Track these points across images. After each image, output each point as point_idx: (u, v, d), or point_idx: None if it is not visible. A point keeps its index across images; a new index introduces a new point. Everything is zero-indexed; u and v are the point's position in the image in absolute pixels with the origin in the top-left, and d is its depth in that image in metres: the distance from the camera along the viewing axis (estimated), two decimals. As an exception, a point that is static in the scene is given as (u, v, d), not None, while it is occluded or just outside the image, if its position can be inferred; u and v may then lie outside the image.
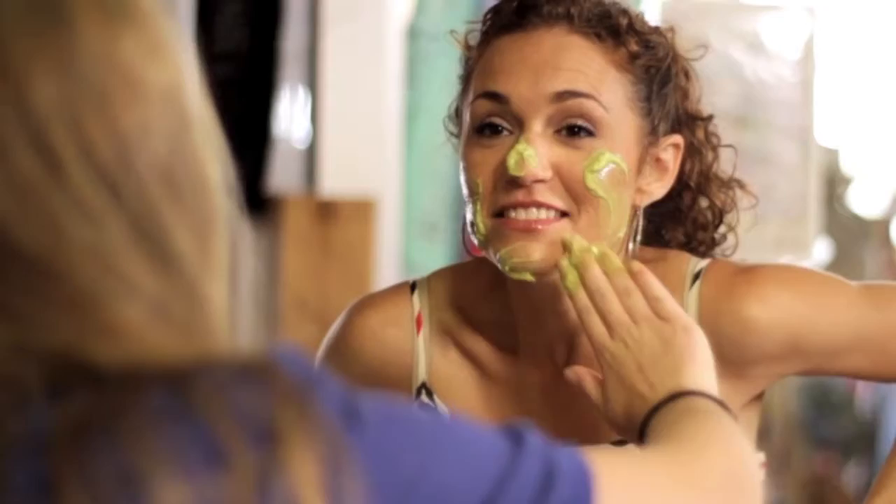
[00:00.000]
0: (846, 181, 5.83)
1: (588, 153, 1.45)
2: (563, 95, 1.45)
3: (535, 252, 1.45)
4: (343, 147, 3.66)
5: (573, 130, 1.46)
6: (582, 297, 1.41)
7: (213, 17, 3.80)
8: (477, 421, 0.99)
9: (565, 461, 0.98)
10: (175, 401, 0.84)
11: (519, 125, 1.46)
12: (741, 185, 1.62)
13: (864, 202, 5.80)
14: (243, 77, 3.81)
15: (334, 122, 3.68)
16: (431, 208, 3.88)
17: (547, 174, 1.44)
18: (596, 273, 1.41)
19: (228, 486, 0.82)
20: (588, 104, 1.45)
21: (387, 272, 3.69)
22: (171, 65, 0.90)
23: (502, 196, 1.46)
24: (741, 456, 1.14)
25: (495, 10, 1.51)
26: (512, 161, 1.43)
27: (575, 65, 1.46)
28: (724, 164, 1.62)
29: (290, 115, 3.83)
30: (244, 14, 3.80)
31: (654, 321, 1.37)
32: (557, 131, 1.46)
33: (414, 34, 3.85)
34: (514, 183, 1.44)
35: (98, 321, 0.85)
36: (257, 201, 3.81)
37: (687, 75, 1.56)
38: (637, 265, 1.42)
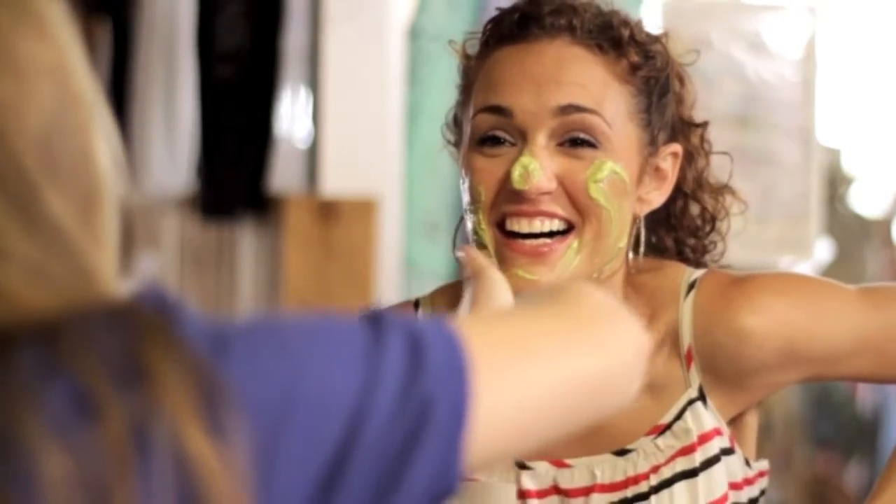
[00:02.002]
0: (847, 181, 5.83)
1: (590, 163, 1.45)
2: (566, 109, 1.45)
3: (541, 276, 1.45)
4: (344, 147, 3.67)
5: (576, 142, 1.46)
6: None
7: (214, 18, 3.80)
8: (342, 316, 0.96)
9: (428, 328, 0.95)
10: (43, 358, 0.84)
11: (522, 137, 1.45)
12: (732, 192, 1.62)
13: (865, 202, 5.79)
14: (244, 77, 3.81)
15: (335, 121, 3.68)
16: (433, 208, 3.88)
17: (552, 185, 1.45)
18: None
19: (104, 440, 0.82)
20: (591, 119, 1.45)
21: (388, 272, 3.69)
22: (53, 44, 0.90)
23: (505, 205, 1.46)
24: (620, 310, 1.08)
25: (496, 21, 1.51)
26: (516, 174, 1.43)
27: (578, 78, 1.45)
28: (724, 166, 1.63)
29: (291, 115, 3.83)
30: (245, 14, 3.80)
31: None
32: (560, 143, 1.46)
33: (415, 34, 3.85)
34: (519, 195, 1.44)
35: None
36: (259, 201, 3.81)
37: (681, 80, 1.57)
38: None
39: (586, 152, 1.45)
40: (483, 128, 1.47)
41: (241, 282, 3.89)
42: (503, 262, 1.46)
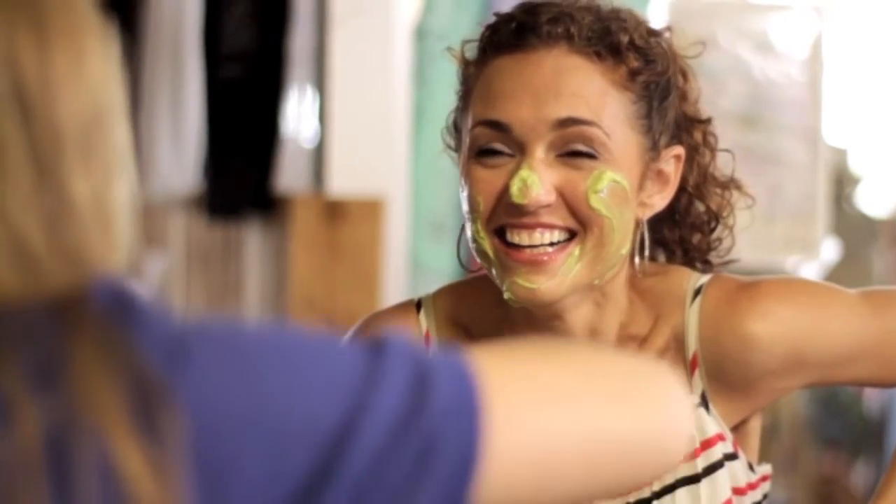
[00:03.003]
0: (854, 181, 5.83)
1: (589, 173, 1.44)
2: (565, 122, 1.44)
3: (540, 284, 1.44)
4: (351, 147, 3.67)
5: (574, 154, 1.45)
6: None
7: (221, 18, 3.81)
8: (338, 338, 0.91)
9: (440, 362, 0.88)
10: None
11: (520, 149, 1.44)
12: (738, 186, 1.61)
13: (872, 202, 5.79)
14: (251, 77, 3.81)
15: (342, 121, 3.68)
16: (439, 208, 3.88)
17: (551, 198, 1.44)
18: None
19: (11, 445, 0.78)
20: (589, 131, 1.44)
21: (394, 272, 3.69)
22: (101, 34, 0.90)
23: (504, 217, 1.45)
24: (665, 371, 0.99)
25: (493, 29, 1.49)
26: (515, 189, 1.43)
27: (576, 89, 1.44)
28: (728, 164, 1.62)
29: (297, 115, 3.84)
30: (251, 14, 3.80)
31: None
32: (559, 154, 1.45)
33: (422, 34, 3.85)
34: (518, 208, 1.44)
35: None
36: (265, 200, 3.81)
37: (685, 76, 1.55)
38: None
39: (585, 163, 1.44)
40: (481, 141, 1.46)
41: (247, 281, 3.90)
42: (503, 271, 1.46)
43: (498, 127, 1.45)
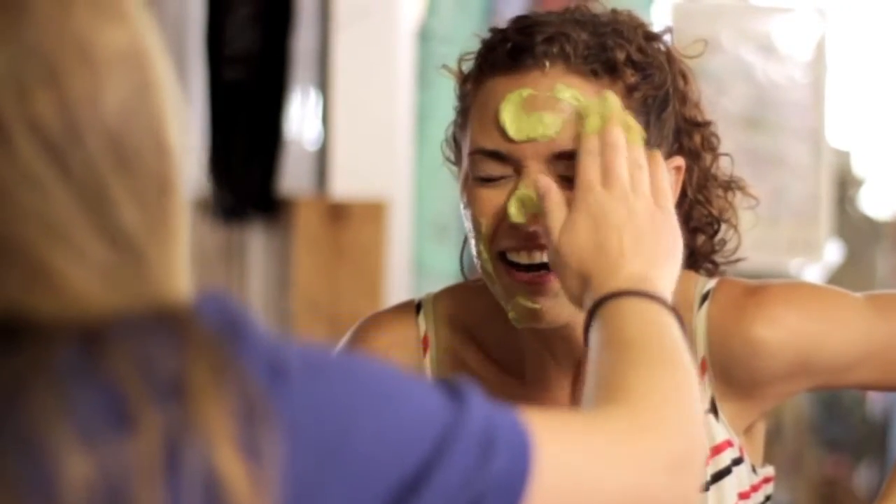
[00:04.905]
0: (858, 183, 5.82)
1: None
2: (559, 156, 1.43)
3: (543, 304, 1.44)
4: (354, 149, 3.67)
5: (570, 178, 1.44)
6: (593, 140, 1.38)
7: (225, 20, 3.81)
8: (418, 377, 0.96)
9: (506, 426, 0.94)
10: (82, 359, 0.83)
11: (517, 171, 1.43)
12: (741, 187, 1.61)
13: (875, 204, 5.79)
14: (254, 79, 3.81)
15: (345, 124, 3.68)
16: (442, 210, 3.88)
17: None
18: (619, 132, 1.38)
19: (134, 450, 0.82)
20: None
21: (398, 274, 3.69)
22: (127, 27, 0.90)
23: (505, 240, 1.44)
24: (692, 431, 1.07)
25: (489, 48, 1.48)
26: (513, 209, 1.42)
27: (571, 116, 1.43)
28: (730, 166, 1.61)
29: (301, 118, 3.84)
30: (255, 16, 3.80)
31: (652, 204, 1.35)
32: (555, 175, 1.45)
33: (425, 36, 3.85)
34: (517, 228, 1.43)
35: (47, 285, 0.85)
36: (269, 203, 3.81)
37: (685, 78, 1.54)
38: (656, 153, 1.40)
39: None
40: (480, 171, 1.45)
41: (251, 284, 3.90)
42: (506, 290, 1.46)
43: (495, 156, 1.44)
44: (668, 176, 1.43)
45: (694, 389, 1.12)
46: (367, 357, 0.95)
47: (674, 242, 1.34)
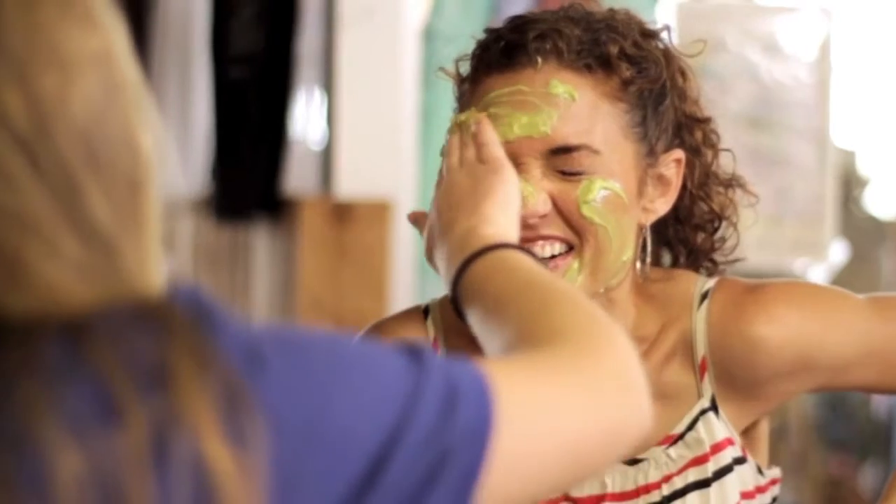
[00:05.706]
0: (862, 183, 5.82)
1: (580, 183, 1.45)
2: (555, 152, 1.44)
3: None
4: (358, 149, 3.67)
5: (566, 172, 1.45)
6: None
7: (229, 20, 3.81)
8: (379, 343, 0.98)
9: (466, 379, 0.96)
10: (68, 355, 0.84)
11: (515, 165, 1.44)
12: (741, 184, 1.61)
13: (880, 203, 5.79)
14: (259, 79, 3.82)
15: (350, 124, 3.68)
16: (447, 210, 3.87)
17: (547, 207, 1.45)
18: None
19: (123, 443, 0.83)
20: (579, 155, 1.45)
21: (402, 274, 3.69)
22: (96, 30, 0.91)
23: None
24: (625, 346, 1.08)
25: (483, 47, 1.50)
26: None
27: (565, 111, 1.44)
28: (737, 167, 1.61)
29: (305, 118, 3.84)
30: (260, 17, 3.81)
31: (474, 165, 1.39)
32: (552, 169, 1.45)
33: (429, 36, 3.85)
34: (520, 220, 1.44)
35: (21, 282, 0.86)
36: (273, 203, 3.82)
37: (684, 75, 1.54)
38: (482, 116, 1.44)
39: (577, 177, 1.45)
40: None
41: (255, 284, 3.90)
42: None
43: None
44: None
45: (594, 306, 1.12)
46: (329, 332, 0.96)
47: (494, 177, 1.35)
